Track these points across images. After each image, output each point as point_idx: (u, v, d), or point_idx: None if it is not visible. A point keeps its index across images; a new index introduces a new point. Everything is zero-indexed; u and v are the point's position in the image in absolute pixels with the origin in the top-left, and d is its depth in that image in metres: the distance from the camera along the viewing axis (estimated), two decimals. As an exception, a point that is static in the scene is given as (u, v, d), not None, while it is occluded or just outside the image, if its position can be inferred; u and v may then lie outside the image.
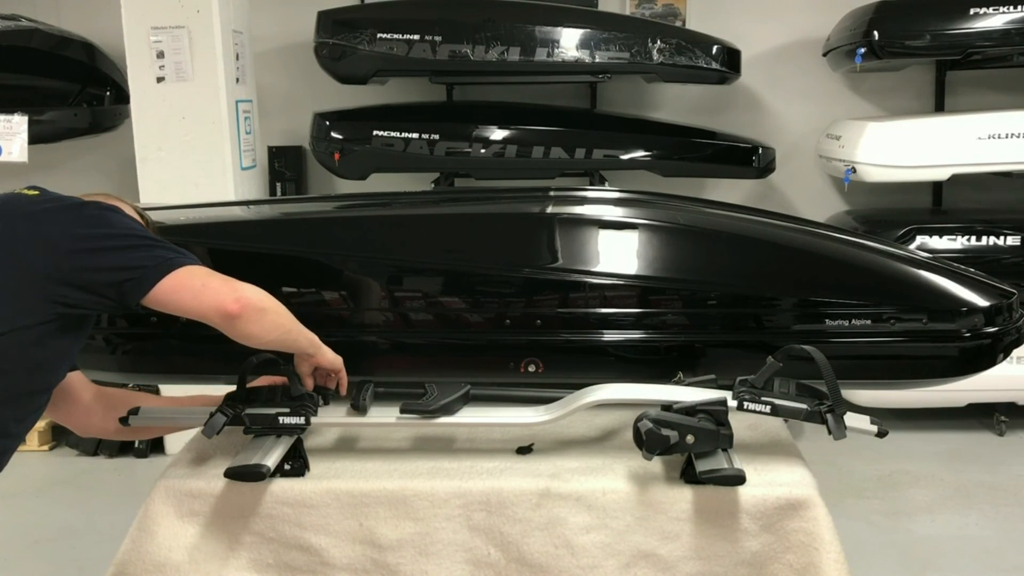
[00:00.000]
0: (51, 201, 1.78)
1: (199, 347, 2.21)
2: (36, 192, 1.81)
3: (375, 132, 4.56)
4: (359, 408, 2.04)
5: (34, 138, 4.28)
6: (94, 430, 2.05)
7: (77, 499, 3.98)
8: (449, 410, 2.00)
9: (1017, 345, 2.22)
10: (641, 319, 2.14)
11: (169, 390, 2.80)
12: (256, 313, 1.77)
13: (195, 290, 1.73)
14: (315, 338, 1.93)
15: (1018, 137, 4.23)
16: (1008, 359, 2.26)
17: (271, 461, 1.90)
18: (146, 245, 1.75)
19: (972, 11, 4.29)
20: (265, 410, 1.96)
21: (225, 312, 1.73)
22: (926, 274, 2.22)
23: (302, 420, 1.95)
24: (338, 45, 4.49)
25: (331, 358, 1.97)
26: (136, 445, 4.38)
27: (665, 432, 1.83)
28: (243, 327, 1.76)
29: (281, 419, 1.95)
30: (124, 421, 2.00)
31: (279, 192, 5.10)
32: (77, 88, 4.74)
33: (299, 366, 1.98)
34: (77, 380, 1.99)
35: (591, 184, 4.68)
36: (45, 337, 1.69)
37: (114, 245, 1.72)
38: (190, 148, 4.15)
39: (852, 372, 2.17)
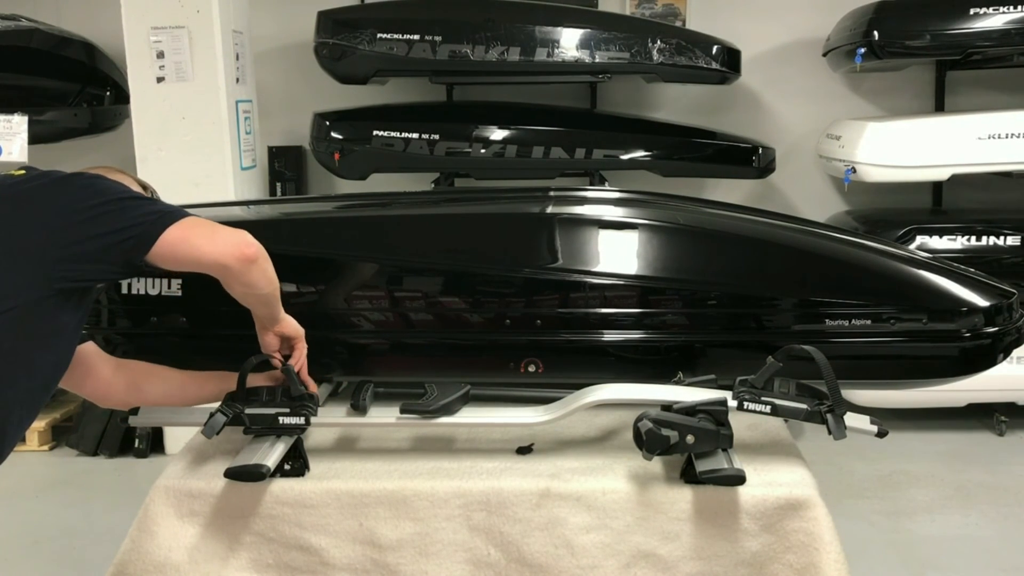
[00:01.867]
0: (37, 179, 1.75)
1: (198, 346, 2.22)
2: (23, 172, 1.79)
3: (375, 132, 4.56)
4: (359, 408, 2.04)
5: (34, 138, 4.28)
6: (115, 402, 2.04)
7: (77, 499, 3.97)
8: (449, 410, 2.00)
9: (1017, 345, 2.22)
10: (641, 319, 2.14)
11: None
12: (265, 261, 1.78)
13: (207, 236, 1.72)
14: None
15: (1018, 137, 4.23)
16: (1008, 359, 2.26)
17: (271, 461, 1.90)
18: (140, 204, 1.73)
19: (972, 11, 4.29)
20: (265, 410, 1.96)
21: (243, 256, 1.72)
22: (926, 274, 2.22)
23: (302, 420, 1.95)
24: (338, 45, 4.49)
25: (295, 324, 1.98)
26: (136, 445, 4.38)
27: (665, 432, 1.83)
28: (254, 274, 1.76)
29: (281, 419, 1.95)
30: (125, 420, 2.00)
31: (279, 192, 5.10)
32: (77, 88, 4.74)
33: (266, 338, 1.96)
34: (94, 352, 1.98)
35: (591, 184, 4.68)
36: (44, 315, 1.67)
37: (108, 210, 1.69)
38: (190, 148, 4.15)
39: (852, 372, 2.17)
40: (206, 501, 1.94)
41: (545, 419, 2.01)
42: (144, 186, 2.07)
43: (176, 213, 1.73)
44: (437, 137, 4.54)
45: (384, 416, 2.03)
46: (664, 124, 4.89)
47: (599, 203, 2.50)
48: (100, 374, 1.98)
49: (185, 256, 1.73)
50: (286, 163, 5.13)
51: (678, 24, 4.98)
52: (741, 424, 2.03)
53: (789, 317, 2.16)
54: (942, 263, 2.30)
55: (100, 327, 2.21)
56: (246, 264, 1.73)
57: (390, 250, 2.27)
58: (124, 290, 2.18)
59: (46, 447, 4.49)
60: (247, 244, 1.74)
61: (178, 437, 4.09)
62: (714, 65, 4.53)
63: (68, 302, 1.71)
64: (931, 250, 4.18)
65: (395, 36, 4.44)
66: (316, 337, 2.03)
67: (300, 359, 2.00)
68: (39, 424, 4.44)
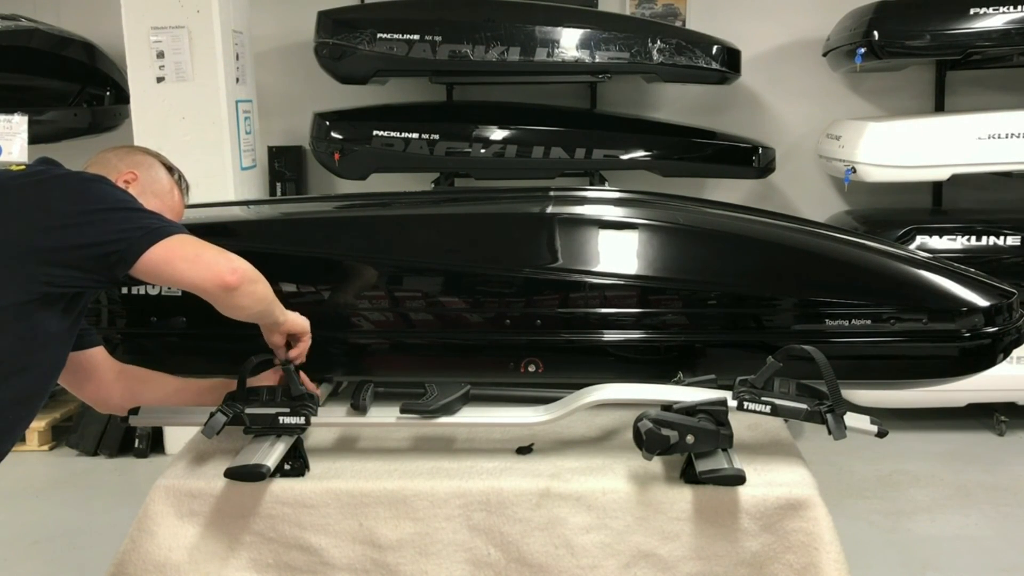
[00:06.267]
0: (32, 175, 1.73)
1: (198, 346, 2.22)
2: (21, 167, 1.77)
3: (375, 132, 4.56)
4: (359, 408, 2.04)
5: (34, 138, 4.27)
6: (114, 407, 2.04)
7: (77, 499, 3.97)
8: (449, 410, 2.00)
9: (1017, 345, 2.22)
10: (641, 319, 2.14)
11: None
12: (250, 285, 1.75)
13: (190, 259, 1.69)
14: (281, 305, 1.90)
15: (1018, 137, 4.23)
16: (1008, 359, 2.26)
17: (271, 461, 1.90)
18: (128, 216, 1.70)
19: (972, 11, 4.29)
20: (265, 410, 1.96)
21: (223, 284, 1.70)
22: (926, 274, 2.22)
23: (302, 420, 1.95)
24: (338, 45, 4.49)
25: (300, 321, 1.96)
26: (136, 445, 4.38)
27: (665, 432, 1.83)
28: (237, 299, 1.73)
29: (281, 419, 1.95)
30: (125, 420, 2.00)
31: (279, 192, 5.10)
32: (77, 88, 4.74)
33: (272, 338, 1.95)
34: (102, 358, 1.98)
35: (591, 184, 4.68)
36: (33, 315, 1.65)
37: (93, 219, 1.66)
38: (190, 148, 4.15)
39: (852, 372, 2.17)
40: (206, 501, 1.94)
41: (545, 419, 2.01)
42: (170, 167, 2.06)
43: (163, 230, 1.69)
44: (437, 137, 4.54)
45: (384, 416, 2.03)
46: (664, 124, 4.89)
47: (599, 203, 2.50)
48: (102, 379, 1.97)
49: (167, 278, 1.72)
50: (286, 163, 5.13)
51: (678, 24, 4.98)
52: (741, 424, 2.03)
53: (789, 317, 2.16)
54: (942, 263, 2.30)
55: (100, 327, 2.21)
56: (227, 291, 1.71)
57: (390, 250, 2.27)
58: (124, 290, 2.18)
59: (46, 447, 4.49)
60: (231, 271, 1.71)
61: (178, 437, 4.08)
62: (714, 65, 4.53)
63: (54, 307, 1.69)
64: (931, 250, 4.18)
65: (395, 36, 4.44)
66: (316, 337, 2.02)
67: (301, 353, 1.99)
68: (39, 424, 4.44)
